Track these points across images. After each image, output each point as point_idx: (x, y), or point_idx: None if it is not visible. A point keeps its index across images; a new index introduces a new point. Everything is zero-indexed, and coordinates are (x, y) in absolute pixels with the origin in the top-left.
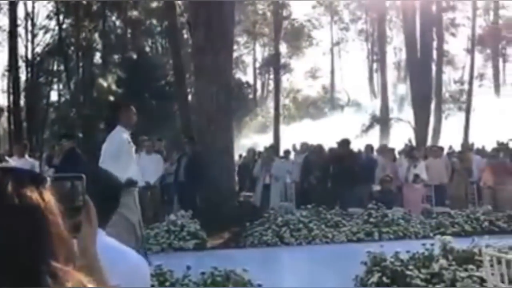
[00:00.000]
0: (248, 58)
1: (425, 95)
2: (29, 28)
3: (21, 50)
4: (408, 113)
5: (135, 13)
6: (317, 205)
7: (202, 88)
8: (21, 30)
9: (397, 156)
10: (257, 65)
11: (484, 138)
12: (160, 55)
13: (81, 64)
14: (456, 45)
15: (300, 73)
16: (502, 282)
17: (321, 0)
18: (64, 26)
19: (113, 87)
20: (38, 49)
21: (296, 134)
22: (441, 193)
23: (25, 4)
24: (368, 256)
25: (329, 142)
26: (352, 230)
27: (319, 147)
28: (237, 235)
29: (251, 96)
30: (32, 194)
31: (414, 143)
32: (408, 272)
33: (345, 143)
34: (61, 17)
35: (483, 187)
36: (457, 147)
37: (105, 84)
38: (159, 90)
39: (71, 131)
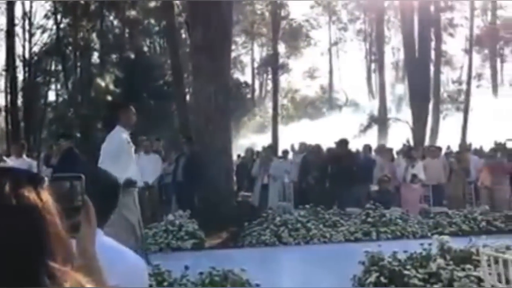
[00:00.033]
0: (246, 58)
1: (423, 95)
2: (27, 27)
3: (18, 50)
4: (406, 113)
5: (133, 12)
6: (315, 205)
7: (200, 88)
8: (18, 30)
9: (395, 156)
10: (255, 65)
11: (482, 138)
12: (158, 55)
13: (79, 63)
14: (454, 45)
15: (298, 73)
16: (499, 281)
17: (319, 0)
18: (61, 25)
19: (111, 87)
20: (36, 49)
21: (294, 134)
22: (439, 193)
23: (22, 4)
24: (366, 255)
25: (327, 142)
26: (350, 230)
27: (317, 147)
28: (235, 235)
29: (249, 96)
30: (30, 194)
31: (412, 143)
32: (406, 272)
33: (343, 143)
34: (58, 17)
35: (481, 187)
36: (455, 147)
37: (103, 84)
38: (157, 90)
39: (69, 131)
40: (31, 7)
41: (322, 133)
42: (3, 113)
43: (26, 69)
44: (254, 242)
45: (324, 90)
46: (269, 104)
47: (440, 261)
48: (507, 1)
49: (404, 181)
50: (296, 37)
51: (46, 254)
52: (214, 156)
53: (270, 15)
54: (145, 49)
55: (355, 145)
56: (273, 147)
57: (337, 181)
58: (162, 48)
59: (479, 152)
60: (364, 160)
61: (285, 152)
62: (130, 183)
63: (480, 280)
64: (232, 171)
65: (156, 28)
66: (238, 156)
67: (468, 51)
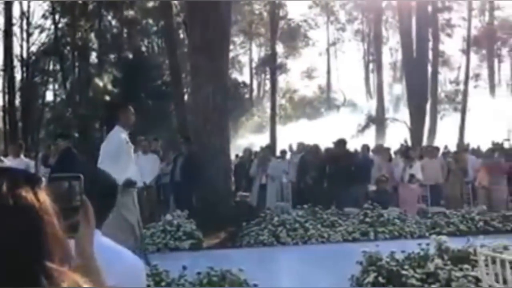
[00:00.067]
0: (244, 58)
1: (421, 95)
2: (25, 27)
3: (16, 50)
4: (404, 113)
5: (131, 12)
6: (313, 205)
7: (198, 88)
8: (16, 29)
9: (393, 156)
10: (254, 65)
11: (480, 138)
12: (156, 55)
13: (77, 63)
14: (451, 45)
15: (297, 73)
16: (497, 281)
17: (317, 0)
18: (59, 25)
19: (109, 86)
20: (34, 49)
21: (292, 134)
22: (436, 193)
23: (20, 3)
24: (364, 255)
25: (325, 142)
26: (348, 230)
27: (315, 147)
28: (233, 235)
29: (247, 96)
30: (27, 194)
31: (409, 143)
32: (404, 272)
33: (341, 143)
34: (56, 17)
35: (478, 187)
36: (453, 147)
37: (101, 84)
38: (155, 90)
39: (67, 131)
40: (29, 6)
41: (320, 133)
42: (1, 113)
43: (24, 69)
44: (252, 242)
45: (322, 90)
46: (267, 104)
47: (438, 261)
48: (504, 2)
49: (402, 181)
50: (294, 37)
51: (43, 255)
52: (212, 156)
53: (268, 15)
54: (143, 49)
55: (353, 145)
56: (271, 147)
57: (335, 181)
58: (160, 48)
59: (476, 152)
60: (362, 160)
61: (283, 152)
62: (129, 183)
63: (477, 280)
64: (230, 171)
65: (154, 28)
66: (236, 156)
67: (466, 52)
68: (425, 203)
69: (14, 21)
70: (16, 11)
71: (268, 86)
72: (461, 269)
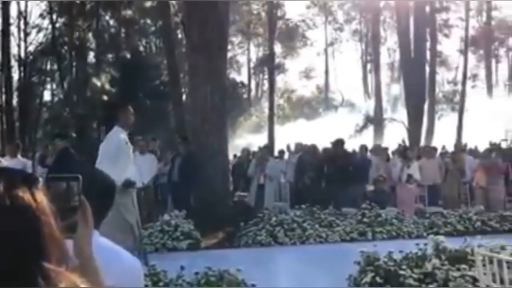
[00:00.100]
0: (242, 58)
1: (419, 96)
2: (22, 27)
3: (13, 49)
4: (401, 114)
5: (129, 12)
6: (311, 205)
7: (196, 88)
8: (13, 29)
9: (391, 156)
10: (252, 65)
11: (477, 139)
12: (154, 54)
13: (74, 63)
14: (449, 46)
15: (295, 73)
16: (494, 281)
17: (315, 0)
18: (57, 25)
19: (107, 86)
20: (31, 48)
21: (290, 134)
22: (434, 193)
23: (18, 3)
24: (362, 255)
25: (323, 142)
26: (345, 230)
27: (313, 147)
28: (231, 235)
29: (245, 96)
30: (24, 194)
31: (407, 143)
32: (401, 272)
33: (339, 143)
34: (54, 16)
35: (476, 187)
36: (450, 148)
37: (98, 84)
38: (153, 90)
39: (64, 131)
40: (26, 6)
41: (318, 133)
42: None
43: (21, 68)
44: (250, 242)
45: (320, 90)
46: (265, 104)
47: (435, 261)
48: (501, 2)
49: (400, 181)
50: (292, 37)
51: (40, 255)
52: (210, 156)
53: (266, 15)
54: (141, 49)
55: (351, 145)
56: (269, 147)
57: (333, 181)
58: (158, 48)
59: (474, 152)
60: (360, 160)
61: (281, 152)
62: (129, 183)
63: (475, 280)
64: (228, 171)
65: (152, 28)
66: (234, 156)
67: (463, 52)
68: (422, 203)
69: (11, 20)
70: (13, 11)
71: (266, 86)
72: (458, 269)
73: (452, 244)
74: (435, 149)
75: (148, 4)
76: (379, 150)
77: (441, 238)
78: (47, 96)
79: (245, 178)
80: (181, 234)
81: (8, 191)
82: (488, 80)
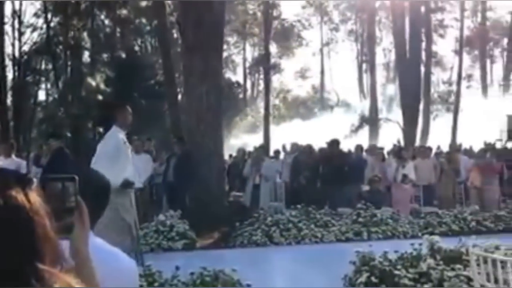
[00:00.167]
0: (238, 58)
1: (414, 96)
2: (16, 26)
3: (8, 49)
4: (397, 114)
5: (124, 12)
6: (307, 205)
7: (192, 88)
8: (8, 28)
9: (386, 156)
10: (247, 65)
11: (472, 139)
12: (150, 54)
13: (69, 63)
14: (444, 46)
15: (290, 73)
16: (488, 281)
17: (311, 0)
18: (52, 24)
19: (102, 86)
20: (26, 48)
21: (286, 134)
22: (429, 193)
23: (12, 2)
24: (357, 255)
25: (319, 142)
26: (341, 230)
27: (309, 147)
28: (227, 235)
29: (241, 96)
30: (18, 195)
31: (402, 143)
32: (396, 272)
33: (334, 143)
34: (49, 16)
35: (470, 187)
36: (445, 148)
37: (93, 83)
38: (149, 90)
39: (59, 131)
40: (21, 5)
41: (314, 133)
42: None
43: (16, 68)
44: (246, 242)
45: (316, 90)
46: (260, 104)
47: (430, 261)
48: (496, 3)
49: (395, 181)
50: (288, 37)
51: (34, 256)
52: (205, 156)
53: (262, 15)
54: (136, 48)
55: (346, 145)
56: (265, 147)
57: (328, 181)
58: (154, 47)
59: (469, 153)
60: (356, 160)
61: (277, 152)
62: (127, 184)
63: (469, 279)
64: (223, 171)
65: (148, 28)
66: (230, 156)
67: (458, 52)
68: (417, 203)
69: (5, 19)
70: (7, 10)
71: (261, 86)
72: (453, 269)
73: (447, 244)
74: (430, 149)
75: (143, 3)
76: (374, 150)
77: (436, 238)
78: (41, 95)
79: (240, 178)
80: (176, 234)
81: (1, 192)
82: (483, 80)
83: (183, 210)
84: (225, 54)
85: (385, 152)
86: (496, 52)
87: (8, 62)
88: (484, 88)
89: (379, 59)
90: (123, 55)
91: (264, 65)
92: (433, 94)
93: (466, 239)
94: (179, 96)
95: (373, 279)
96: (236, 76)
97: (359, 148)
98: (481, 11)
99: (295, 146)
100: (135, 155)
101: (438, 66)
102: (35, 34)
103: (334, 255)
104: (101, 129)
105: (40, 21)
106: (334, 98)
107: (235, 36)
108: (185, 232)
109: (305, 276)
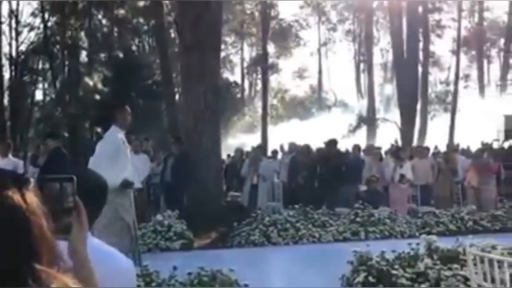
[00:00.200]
0: (235, 57)
1: (411, 96)
2: (13, 25)
3: (5, 48)
4: (394, 114)
5: (121, 11)
6: (304, 205)
7: (189, 88)
8: (5, 28)
9: (384, 156)
10: (245, 64)
11: (469, 139)
12: (147, 54)
13: (66, 62)
14: (441, 46)
15: (288, 73)
16: (485, 280)
17: (308, 0)
18: (49, 24)
19: (99, 86)
20: (23, 47)
21: (283, 134)
22: (426, 193)
23: (9, 2)
24: (354, 255)
25: (317, 142)
26: (338, 230)
27: (307, 147)
28: (224, 235)
29: (239, 95)
30: (14, 195)
31: (400, 143)
32: (394, 272)
33: (332, 143)
34: (46, 15)
35: (468, 187)
36: (443, 148)
37: (91, 83)
38: (146, 89)
39: (57, 131)
40: (18, 5)
41: (312, 133)
42: None
43: (13, 67)
44: (243, 242)
45: (314, 90)
46: (258, 104)
47: (428, 260)
48: (493, 3)
49: (393, 181)
50: (286, 37)
51: (30, 256)
52: (203, 156)
53: (259, 15)
54: (134, 48)
55: (344, 145)
56: (263, 147)
57: (326, 181)
58: (151, 47)
59: (466, 152)
60: (353, 160)
61: (275, 152)
62: (127, 184)
63: (466, 279)
64: (221, 171)
65: (145, 27)
66: (228, 156)
67: (456, 52)
68: (415, 203)
69: (2, 19)
70: (4, 9)
71: (259, 86)
72: (450, 269)
73: (444, 243)
74: (427, 149)
75: (141, 3)
76: (372, 150)
77: (433, 237)
78: (39, 95)
79: (238, 178)
80: (174, 234)
81: None
82: (480, 80)
83: (181, 210)
84: (223, 54)
85: (382, 152)
86: (493, 52)
87: (5, 62)
88: (481, 88)
89: (377, 59)
90: (121, 55)
91: (262, 65)
92: (431, 94)
93: (463, 238)
94: (177, 96)
95: (370, 278)
96: (234, 76)
97: (356, 148)
98: (478, 12)
99: (293, 146)
100: (133, 155)
101: (435, 66)
102: (32, 34)
103: (332, 255)
104: (98, 129)
105: (37, 21)
106: (332, 98)
107: (233, 36)
108: (182, 232)
109: (303, 276)
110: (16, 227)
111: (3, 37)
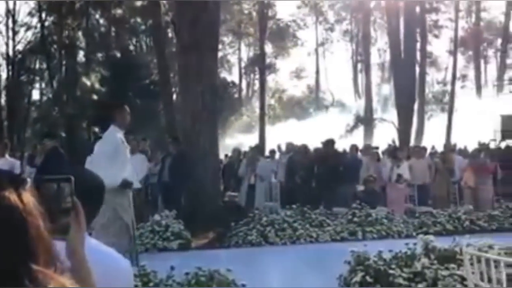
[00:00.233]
0: (233, 57)
1: (409, 96)
2: (10, 25)
3: (2, 48)
4: (391, 114)
5: (119, 11)
6: (302, 205)
7: (187, 88)
8: (2, 27)
9: (381, 156)
10: (243, 64)
11: (466, 139)
12: (145, 54)
13: (63, 62)
14: (439, 46)
15: (285, 73)
16: (482, 280)
17: (306, 0)
18: (46, 23)
19: (97, 85)
20: (20, 47)
21: (281, 134)
22: (423, 193)
23: (6, 1)
24: (352, 255)
25: (314, 142)
26: (336, 230)
27: (304, 147)
28: (222, 235)
29: (236, 95)
30: (11, 195)
31: (397, 143)
32: (391, 271)
33: (329, 143)
34: (43, 15)
35: (464, 187)
36: (440, 148)
37: (88, 83)
38: (143, 89)
39: (54, 130)
40: (15, 4)
41: (309, 133)
42: None
43: (10, 67)
44: (241, 242)
45: (311, 90)
46: (256, 104)
47: (425, 260)
48: (490, 4)
49: (390, 181)
50: (283, 37)
51: (27, 256)
52: (200, 156)
53: (257, 15)
54: (131, 48)
55: (341, 145)
56: (260, 147)
57: (323, 181)
58: (149, 47)
59: (463, 152)
60: (351, 160)
61: (272, 152)
62: (126, 184)
63: (463, 279)
64: (218, 171)
65: (143, 27)
66: (225, 156)
67: (453, 53)
68: (412, 203)
69: None
70: (1, 9)
71: (257, 85)
72: (447, 268)
73: (442, 243)
74: (424, 149)
75: (138, 3)
76: (369, 150)
77: (430, 237)
78: (36, 95)
79: (235, 178)
80: (172, 234)
81: None
82: (477, 80)
83: (178, 210)
84: (220, 54)
85: (380, 152)
86: (490, 52)
87: (2, 61)
88: (478, 88)
89: (374, 59)
90: (118, 55)
91: (259, 65)
92: (428, 94)
93: (460, 238)
94: (174, 96)
95: (368, 278)
96: (231, 76)
97: (354, 148)
98: (475, 12)
99: (290, 146)
100: (130, 155)
101: (432, 66)
102: (29, 33)
103: (329, 254)
104: (96, 129)
105: (34, 20)
106: (329, 98)
107: (230, 36)
108: (180, 232)
109: (300, 276)
110: (12, 227)
111: (0, 37)
